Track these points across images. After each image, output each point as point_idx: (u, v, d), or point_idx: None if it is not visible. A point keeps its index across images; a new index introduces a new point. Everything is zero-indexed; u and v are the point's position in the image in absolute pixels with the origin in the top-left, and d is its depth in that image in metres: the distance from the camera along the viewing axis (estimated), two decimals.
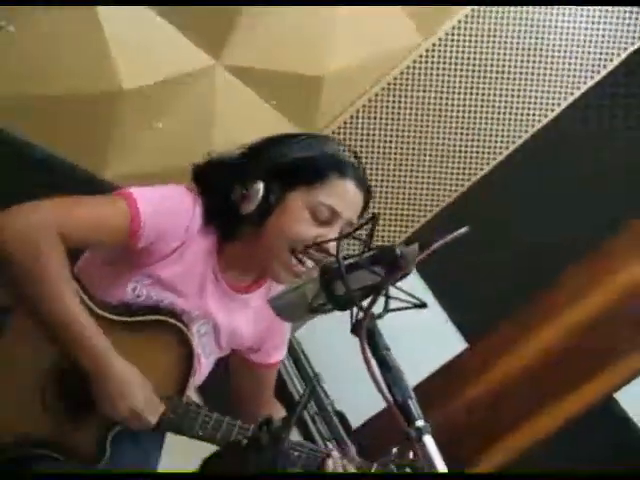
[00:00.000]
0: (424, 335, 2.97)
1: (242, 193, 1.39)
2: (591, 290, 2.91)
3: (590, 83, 2.92)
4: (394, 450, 1.60)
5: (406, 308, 1.06)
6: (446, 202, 3.05)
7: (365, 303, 1.03)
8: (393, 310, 1.05)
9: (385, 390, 0.95)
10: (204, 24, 2.66)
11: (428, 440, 0.92)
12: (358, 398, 3.18)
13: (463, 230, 0.96)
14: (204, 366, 1.53)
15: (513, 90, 2.96)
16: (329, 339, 2.69)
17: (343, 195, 1.41)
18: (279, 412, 1.71)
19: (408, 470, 1.58)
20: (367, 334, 0.99)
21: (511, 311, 2.99)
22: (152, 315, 1.41)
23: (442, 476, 0.87)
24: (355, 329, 0.99)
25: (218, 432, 1.41)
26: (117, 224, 1.31)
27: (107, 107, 2.72)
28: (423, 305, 1.06)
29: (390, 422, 3.04)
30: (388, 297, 1.04)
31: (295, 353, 3.02)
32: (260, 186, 1.38)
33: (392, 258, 1.02)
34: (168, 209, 1.38)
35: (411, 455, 1.62)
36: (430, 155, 3.02)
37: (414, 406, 0.95)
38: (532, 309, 2.97)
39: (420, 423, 0.93)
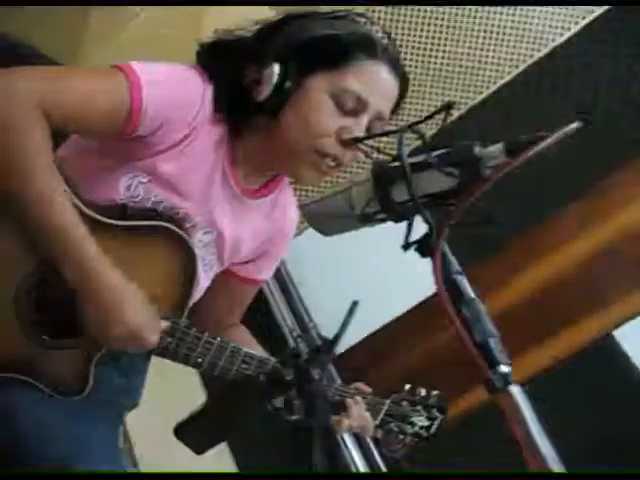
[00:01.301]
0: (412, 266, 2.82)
1: (254, 77, 1.16)
2: (592, 227, 2.79)
3: None
4: (406, 387, 1.47)
5: (473, 224, 0.85)
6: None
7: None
8: (462, 225, 0.82)
9: (461, 329, 0.74)
10: None
11: (515, 390, 0.72)
12: (334, 319, 3.04)
13: (575, 125, 0.73)
14: (202, 282, 1.31)
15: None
16: (312, 260, 2.48)
17: (372, 80, 1.17)
18: (246, 336, 1.48)
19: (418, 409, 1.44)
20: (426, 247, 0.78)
21: (506, 245, 2.85)
22: (149, 220, 1.17)
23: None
24: (422, 249, 0.78)
25: (220, 360, 1.20)
26: (114, 102, 1.07)
27: None
28: (490, 221, 0.85)
29: (370, 352, 2.88)
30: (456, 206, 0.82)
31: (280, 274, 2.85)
32: (275, 68, 1.14)
33: (470, 159, 0.80)
34: (175, 93, 1.14)
35: (422, 393, 1.49)
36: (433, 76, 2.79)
37: (497, 347, 0.74)
38: (531, 242, 2.83)
39: (505, 369, 0.73)
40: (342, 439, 2.56)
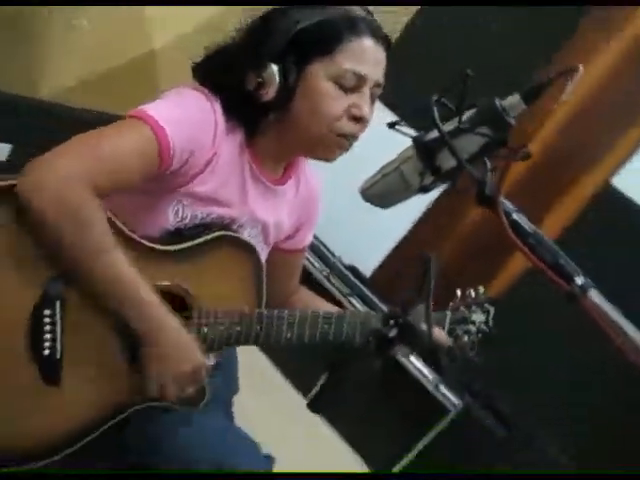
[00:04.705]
0: None
1: (257, 81, 1.25)
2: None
3: None
4: (458, 293, 1.62)
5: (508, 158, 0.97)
6: None
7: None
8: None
9: (532, 256, 0.88)
10: None
11: (594, 294, 0.87)
12: (360, 249, 3.18)
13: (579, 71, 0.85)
14: None
15: None
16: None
17: (363, 55, 1.26)
18: (311, 297, 1.65)
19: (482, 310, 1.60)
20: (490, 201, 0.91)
21: None
22: (207, 234, 1.29)
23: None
24: (482, 200, 0.91)
25: (305, 327, 1.35)
26: (147, 155, 1.17)
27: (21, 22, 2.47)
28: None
29: (400, 263, 3.02)
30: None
31: None
32: (274, 68, 1.23)
33: (496, 113, 0.93)
34: (192, 121, 1.23)
35: (472, 293, 1.63)
36: None
37: (566, 262, 0.88)
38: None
39: (580, 280, 0.87)
40: None
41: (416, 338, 1.01)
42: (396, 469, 2.96)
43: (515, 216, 0.92)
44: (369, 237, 3.14)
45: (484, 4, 2.84)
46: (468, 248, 3.06)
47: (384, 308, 2.82)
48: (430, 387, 2.88)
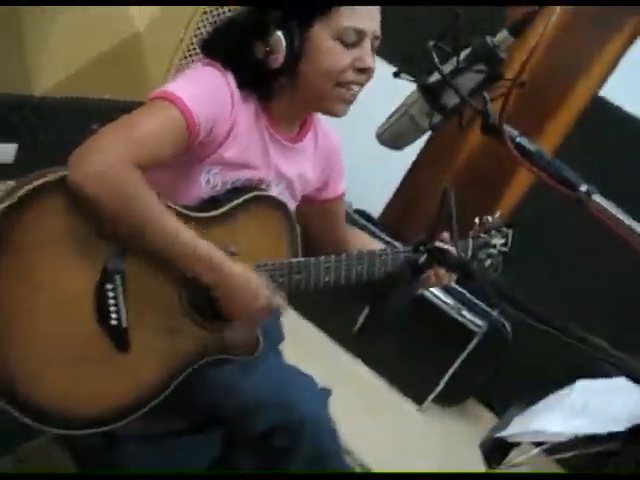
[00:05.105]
0: None
1: (265, 49, 1.35)
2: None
3: None
4: (476, 220, 1.73)
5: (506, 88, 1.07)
6: None
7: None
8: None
9: (540, 172, 0.99)
10: None
11: (598, 198, 0.98)
12: (366, 194, 3.29)
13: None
14: None
15: None
16: None
17: (360, 10, 1.37)
18: (360, 234, 1.79)
19: (502, 233, 1.71)
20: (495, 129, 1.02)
21: None
22: (240, 196, 1.41)
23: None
24: (487, 129, 1.02)
25: (341, 270, 1.48)
26: (177, 130, 1.28)
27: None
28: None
29: (405, 201, 3.13)
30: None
31: None
32: (280, 35, 1.34)
33: (489, 51, 1.03)
34: (210, 95, 1.34)
35: (489, 219, 1.74)
36: None
37: (570, 173, 1.00)
38: None
39: (584, 187, 0.98)
40: None
41: (445, 257, 1.12)
42: (432, 396, 3.12)
43: (519, 139, 1.03)
44: (373, 182, 3.25)
45: None
46: (467, 178, 3.17)
47: (396, 244, 2.94)
48: (453, 313, 3.03)
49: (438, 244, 1.12)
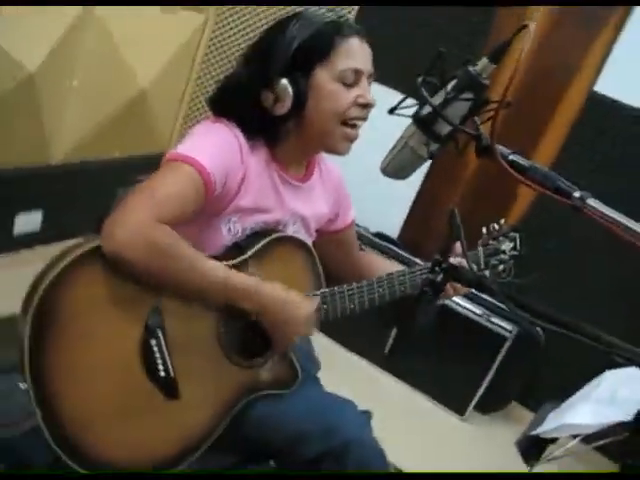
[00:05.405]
0: None
1: (273, 97, 1.45)
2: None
3: None
4: (484, 230, 1.82)
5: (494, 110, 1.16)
6: None
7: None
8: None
9: (536, 185, 1.06)
10: None
11: (593, 202, 1.05)
12: (382, 216, 3.37)
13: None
14: None
15: None
16: None
17: (355, 53, 1.48)
18: (375, 257, 1.88)
19: (510, 237, 1.78)
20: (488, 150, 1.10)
21: None
22: (261, 240, 1.50)
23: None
24: (481, 152, 1.10)
25: (364, 296, 1.57)
26: (195, 189, 1.37)
27: (22, 97, 2.65)
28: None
29: (420, 218, 3.20)
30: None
31: None
32: (286, 83, 1.44)
33: (472, 79, 1.11)
34: (221, 150, 1.43)
35: (496, 227, 1.82)
36: None
37: (563, 183, 1.07)
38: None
39: (577, 193, 1.06)
40: None
41: (459, 274, 1.19)
42: (472, 404, 3.16)
43: (512, 157, 1.11)
44: (386, 205, 3.34)
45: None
46: (476, 191, 3.24)
47: (418, 261, 3.01)
48: (483, 321, 3.08)
49: (452, 260, 1.19)
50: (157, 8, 2.95)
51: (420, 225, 3.35)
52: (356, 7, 3.16)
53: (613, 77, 2.90)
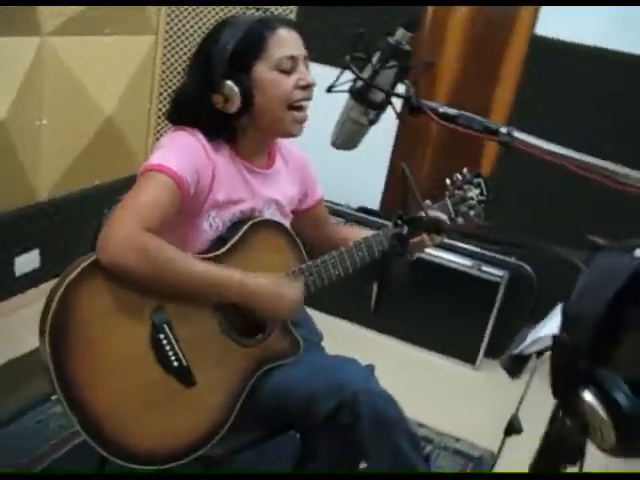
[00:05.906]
0: None
1: (223, 99, 1.58)
2: None
3: None
4: (447, 181, 1.96)
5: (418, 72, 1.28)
6: None
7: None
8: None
9: (465, 130, 1.19)
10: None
11: (518, 134, 1.17)
12: (359, 190, 3.48)
13: None
14: None
15: None
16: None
17: (286, 41, 1.62)
18: (349, 228, 2.05)
19: (478, 183, 1.92)
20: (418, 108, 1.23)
21: None
22: (240, 228, 1.63)
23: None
24: (413, 111, 1.22)
25: (347, 262, 1.71)
26: (171, 192, 1.50)
27: None
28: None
29: (397, 185, 3.31)
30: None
31: None
32: (230, 83, 1.57)
33: (394, 48, 1.24)
34: (187, 153, 1.56)
35: (459, 176, 1.95)
36: None
37: (489, 123, 1.20)
38: None
39: (504, 129, 1.18)
40: None
41: (418, 222, 1.32)
42: (481, 352, 3.27)
43: (441, 109, 1.23)
44: (364, 179, 3.46)
45: None
46: (445, 149, 3.37)
47: None
48: (474, 271, 3.21)
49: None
50: (106, 34, 3.05)
51: (398, 191, 3.46)
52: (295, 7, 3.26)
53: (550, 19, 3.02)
